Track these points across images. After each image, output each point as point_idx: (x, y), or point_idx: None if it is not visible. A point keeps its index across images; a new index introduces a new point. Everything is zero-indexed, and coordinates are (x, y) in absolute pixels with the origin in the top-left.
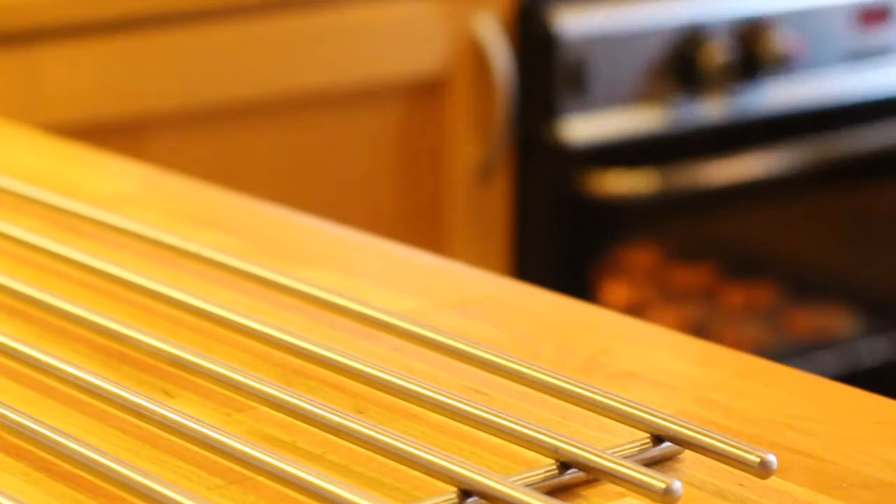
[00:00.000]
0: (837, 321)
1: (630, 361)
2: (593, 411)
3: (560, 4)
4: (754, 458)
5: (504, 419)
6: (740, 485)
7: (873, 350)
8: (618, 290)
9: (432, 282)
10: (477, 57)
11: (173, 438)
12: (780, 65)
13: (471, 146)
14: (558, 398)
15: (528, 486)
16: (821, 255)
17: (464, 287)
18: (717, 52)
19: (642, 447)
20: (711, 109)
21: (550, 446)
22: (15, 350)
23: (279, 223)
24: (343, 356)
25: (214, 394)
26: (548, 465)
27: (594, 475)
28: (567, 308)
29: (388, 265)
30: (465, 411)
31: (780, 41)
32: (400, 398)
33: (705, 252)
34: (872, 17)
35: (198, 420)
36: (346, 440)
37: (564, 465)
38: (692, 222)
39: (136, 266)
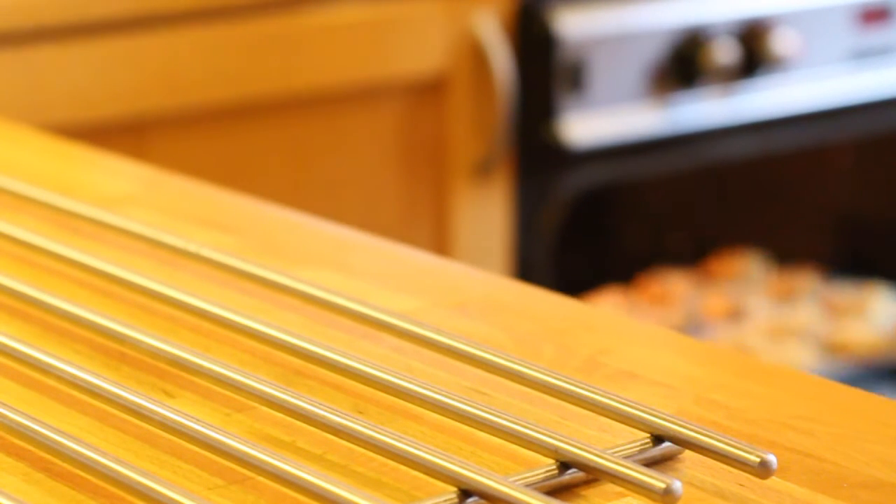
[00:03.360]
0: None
1: (630, 361)
2: (593, 411)
3: (560, 4)
4: (754, 458)
5: (504, 419)
6: (740, 485)
7: None
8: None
9: (432, 282)
10: (477, 57)
11: (173, 438)
12: (780, 65)
13: (471, 146)
14: (558, 398)
15: (528, 486)
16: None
17: (464, 287)
18: (717, 52)
19: (642, 447)
20: (711, 109)
21: (550, 446)
22: (15, 350)
23: (279, 223)
24: (343, 356)
25: (214, 394)
26: (548, 465)
27: (594, 475)
28: (567, 308)
29: (388, 265)
30: (465, 411)
31: (780, 41)
32: (400, 398)
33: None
34: (872, 17)
35: (198, 420)
36: (346, 440)
37: (564, 465)
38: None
39: (136, 266)
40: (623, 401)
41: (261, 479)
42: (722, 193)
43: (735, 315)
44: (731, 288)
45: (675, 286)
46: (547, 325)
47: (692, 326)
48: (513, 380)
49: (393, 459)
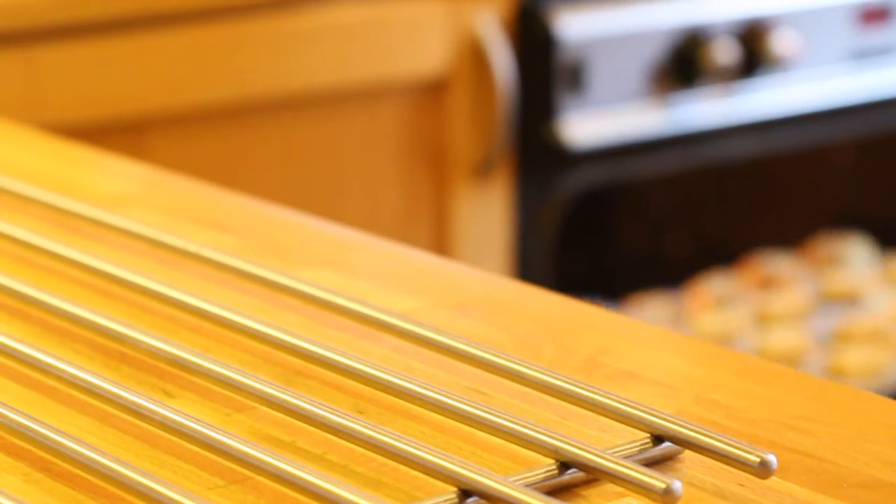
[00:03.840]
0: None
1: (630, 361)
2: (593, 411)
3: (560, 5)
4: (754, 458)
5: (504, 419)
6: (740, 485)
7: None
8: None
9: (432, 282)
10: (477, 57)
11: (173, 438)
12: (780, 65)
13: (471, 146)
14: (558, 398)
15: (528, 486)
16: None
17: (464, 287)
18: (717, 52)
19: (642, 447)
20: (711, 109)
21: (550, 446)
22: (15, 350)
23: (279, 223)
24: (343, 356)
25: (214, 394)
26: (548, 465)
27: (594, 475)
28: (567, 308)
29: (388, 265)
30: (465, 411)
31: (780, 41)
32: (400, 398)
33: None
34: (872, 17)
35: (198, 420)
36: (346, 440)
37: (564, 465)
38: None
39: (136, 266)
40: (623, 401)
41: (261, 479)
42: (722, 193)
43: (853, 298)
44: (839, 271)
45: (781, 269)
46: (547, 325)
47: (817, 310)
48: (513, 380)
49: (393, 459)
